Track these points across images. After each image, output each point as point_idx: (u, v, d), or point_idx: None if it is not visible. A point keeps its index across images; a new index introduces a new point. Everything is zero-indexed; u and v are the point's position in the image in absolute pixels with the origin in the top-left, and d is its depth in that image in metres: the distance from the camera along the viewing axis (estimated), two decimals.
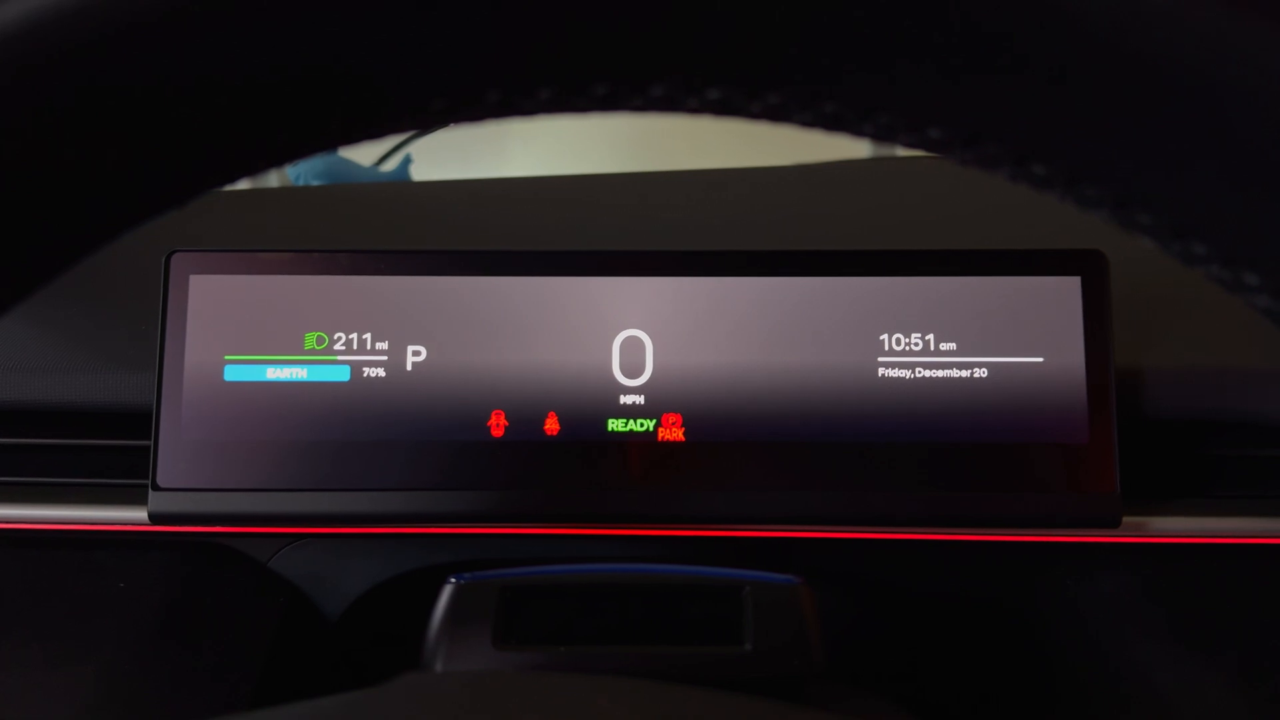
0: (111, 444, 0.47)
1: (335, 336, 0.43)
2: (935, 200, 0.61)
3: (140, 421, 0.44)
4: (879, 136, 0.19)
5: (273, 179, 1.37)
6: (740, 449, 0.42)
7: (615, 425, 0.42)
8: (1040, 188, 0.18)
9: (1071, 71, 0.16)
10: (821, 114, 0.18)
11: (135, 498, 0.44)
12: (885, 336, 0.43)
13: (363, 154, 1.08)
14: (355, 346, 0.43)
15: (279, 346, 0.43)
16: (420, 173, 1.13)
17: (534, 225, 0.59)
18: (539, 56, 0.17)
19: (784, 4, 0.16)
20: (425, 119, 0.19)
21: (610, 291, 0.43)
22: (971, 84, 0.17)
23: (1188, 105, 0.16)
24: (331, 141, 0.19)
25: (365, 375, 0.43)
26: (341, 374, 0.43)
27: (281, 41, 0.16)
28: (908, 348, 0.43)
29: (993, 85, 0.17)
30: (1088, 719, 0.40)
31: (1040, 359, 0.43)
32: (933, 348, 0.43)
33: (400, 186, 0.84)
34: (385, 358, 0.43)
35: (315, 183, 0.99)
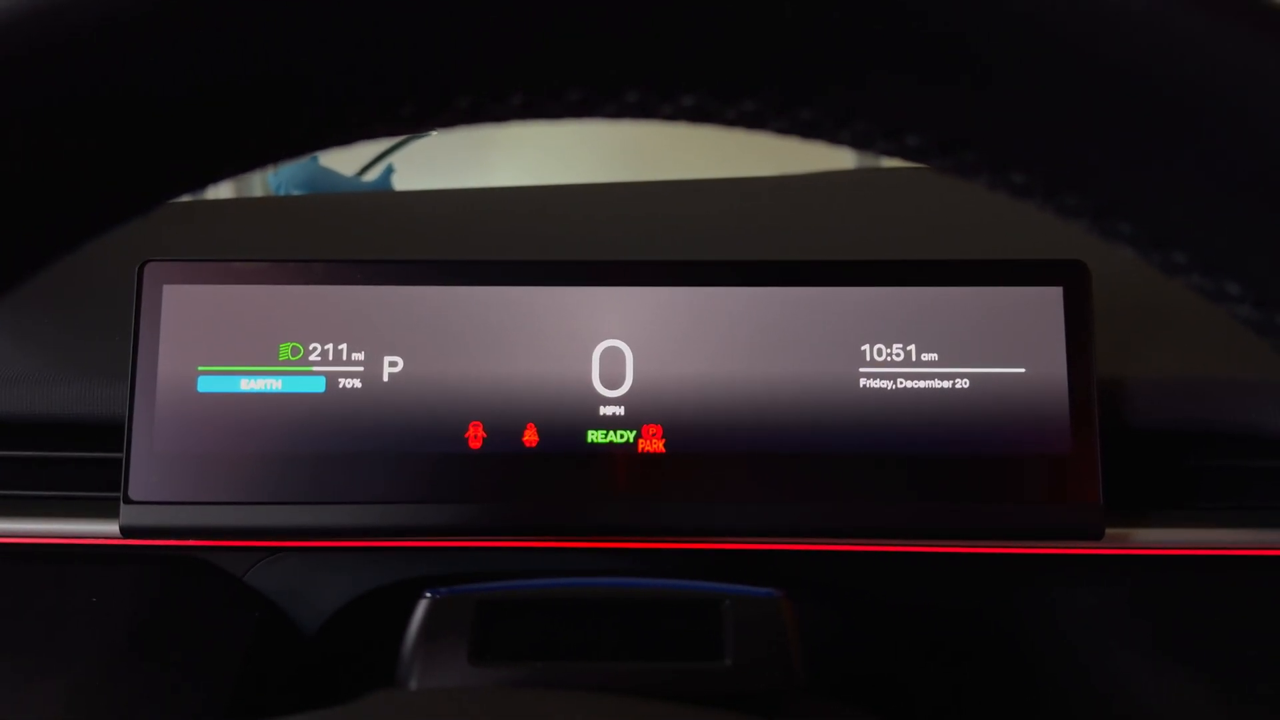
0: (83, 456, 0.46)
1: (310, 347, 0.43)
2: (919, 211, 0.61)
3: (113, 433, 0.43)
4: (856, 144, 0.18)
5: (256, 188, 1.36)
6: (721, 460, 0.42)
7: (595, 436, 0.42)
8: (1019, 196, 0.18)
9: (1049, 80, 0.16)
10: (798, 121, 0.18)
11: (108, 511, 0.43)
12: (867, 347, 0.43)
13: (345, 164, 1.08)
14: (331, 357, 0.43)
15: (253, 357, 0.43)
16: (403, 183, 1.13)
17: (516, 235, 0.59)
18: (510, 62, 0.17)
19: (759, 11, 0.16)
20: (394, 125, 0.18)
21: (590, 301, 0.43)
22: (949, 91, 0.17)
23: (1167, 114, 0.16)
24: (297, 148, 0.19)
25: (341, 386, 0.42)
26: (317, 385, 0.42)
27: (246, 46, 0.16)
28: (889, 358, 0.43)
29: (970, 93, 0.17)
30: None
31: (1022, 369, 0.42)
32: (914, 358, 0.43)
33: (382, 196, 0.84)
34: (361, 369, 0.42)
35: (297, 192, 0.99)
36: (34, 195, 0.17)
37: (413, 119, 0.18)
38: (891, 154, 0.18)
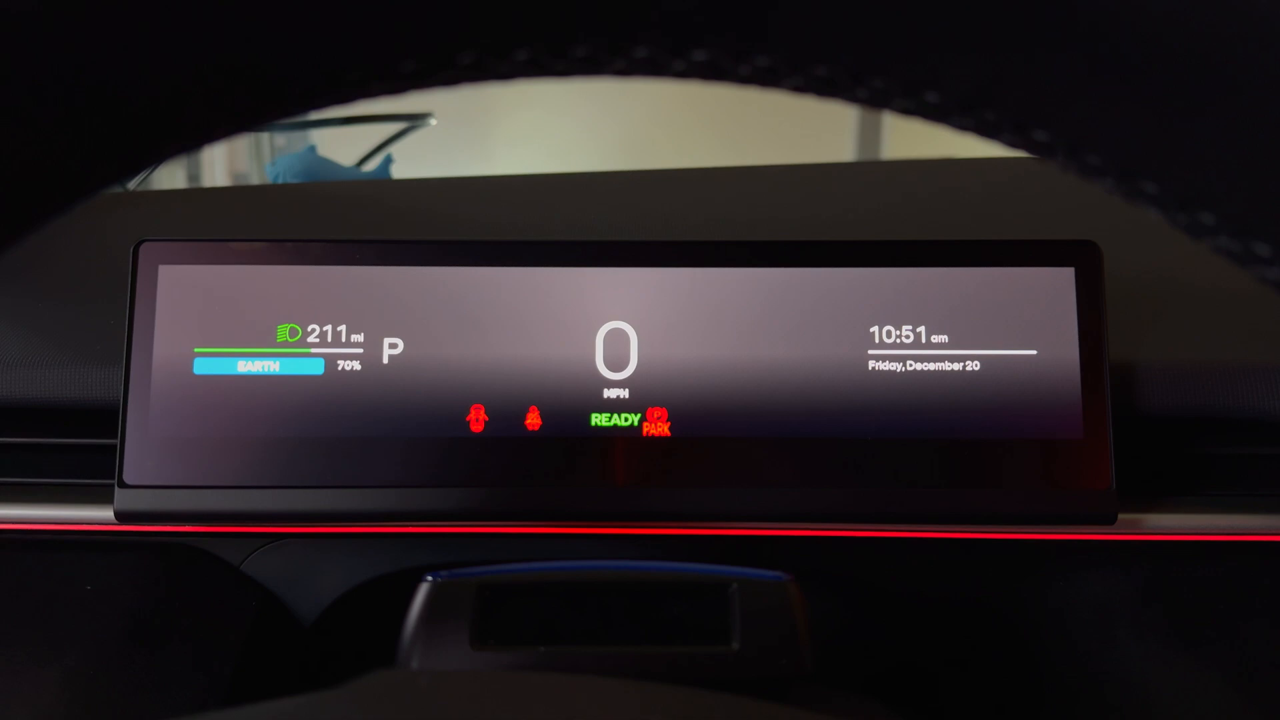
0: (78, 442, 0.45)
1: (309, 328, 0.42)
2: (921, 202, 0.61)
3: (108, 418, 0.43)
4: (874, 103, 0.18)
5: (254, 178, 1.36)
6: (727, 444, 0.41)
7: (599, 420, 0.41)
8: (1042, 155, 0.18)
9: (1072, 35, 0.16)
10: (813, 78, 0.17)
11: (102, 496, 0.43)
12: (876, 329, 0.42)
13: (344, 154, 1.07)
14: (329, 339, 0.42)
15: (250, 339, 0.42)
16: (402, 173, 1.12)
17: (517, 220, 0.58)
18: (514, 15, 0.16)
19: None
20: (395, 83, 0.18)
21: (594, 282, 0.42)
22: (968, 47, 0.16)
23: (1193, 70, 0.15)
24: (294, 106, 0.18)
25: (340, 368, 0.42)
26: (315, 367, 0.42)
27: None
28: (899, 340, 0.42)
29: (990, 48, 0.16)
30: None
31: (1034, 352, 0.42)
32: (924, 340, 0.42)
33: (380, 184, 0.83)
34: (361, 350, 0.42)
35: (295, 182, 0.98)
36: (21, 155, 0.16)
37: (414, 76, 0.18)
38: (910, 113, 0.18)
